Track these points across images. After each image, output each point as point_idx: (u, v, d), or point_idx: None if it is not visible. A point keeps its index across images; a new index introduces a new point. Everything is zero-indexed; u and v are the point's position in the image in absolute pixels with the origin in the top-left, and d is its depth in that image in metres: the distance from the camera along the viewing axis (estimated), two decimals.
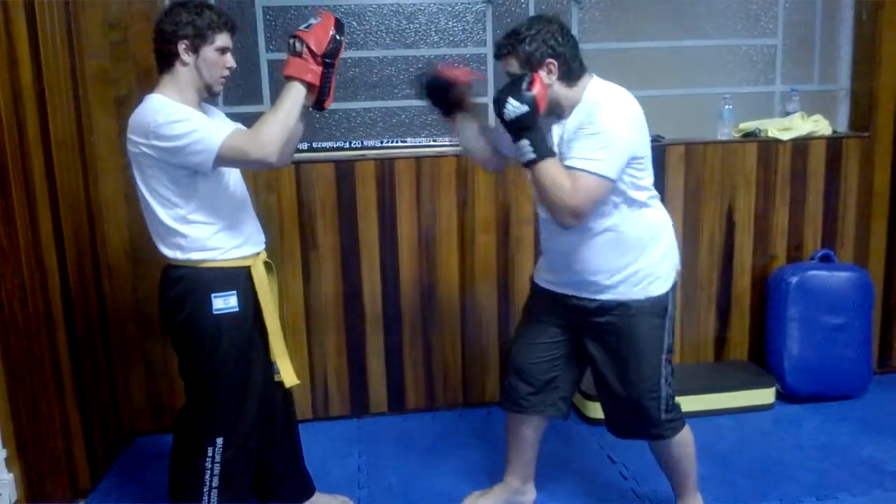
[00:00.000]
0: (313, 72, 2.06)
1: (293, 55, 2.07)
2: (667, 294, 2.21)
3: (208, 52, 2.09)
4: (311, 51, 2.04)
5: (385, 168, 3.23)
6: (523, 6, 3.42)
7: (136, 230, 3.06)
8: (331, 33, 2.06)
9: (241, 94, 3.28)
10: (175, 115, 2.01)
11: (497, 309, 3.40)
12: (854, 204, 3.57)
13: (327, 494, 2.63)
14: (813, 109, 3.58)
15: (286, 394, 2.39)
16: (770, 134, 3.47)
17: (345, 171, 3.20)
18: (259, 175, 3.06)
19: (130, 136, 2.07)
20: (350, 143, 3.32)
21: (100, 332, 2.98)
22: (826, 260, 3.47)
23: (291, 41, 2.07)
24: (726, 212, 3.49)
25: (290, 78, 2.06)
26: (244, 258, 2.19)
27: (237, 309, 2.15)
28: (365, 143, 3.33)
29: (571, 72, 2.11)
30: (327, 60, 2.07)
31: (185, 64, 2.09)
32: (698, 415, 3.20)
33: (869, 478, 2.77)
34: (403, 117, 3.45)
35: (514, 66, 2.10)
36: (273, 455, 2.44)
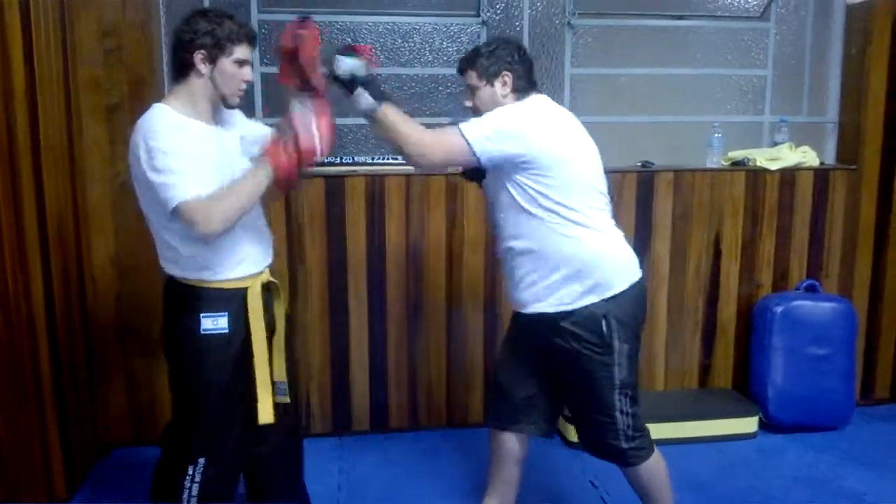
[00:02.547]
0: (288, 170, 1.98)
1: (280, 136, 1.99)
2: (608, 330, 2.18)
3: (226, 63, 2.02)
4: (297, 147, 1.97)
5: (375, 184, 3.23)
6: (517, 28, 3.45)
7: (122, 239, 3.05)
8: (316, 146, 1.99)
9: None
10: (168, 144, 1.92)
11: (483, 330, 3.39)
12: (840, 235, 3.60)
13: None
14: (801, 140, 3.62)
15: (290, 416, 2.33)
16: (758, 163, 3.50)
17: (334, 187, 3.20)
18: None
19: (131, 144, 1.99)
20: (341, 158, 3.32)
21: (81, 341, 2.95)
22: (811, 290, 3.49)
23: (283, 125, 1.99)
24: (713, 239, 3.51)
25: (264, 158, 1.98)
26: (241, 279, 2.11)
27: (226, 331, 2.08)
28: (356, 158, 3.34)
29: (522, 87, 2.26)
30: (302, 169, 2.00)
31: (200, 75, 2.02)
32: (681, 442, 3.21)
33: None
34: None
35: (473, 77, 2.28)
36: (269, 474, 2.39)
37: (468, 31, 3.43)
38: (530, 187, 2.15)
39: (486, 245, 3.33)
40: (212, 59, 2.00)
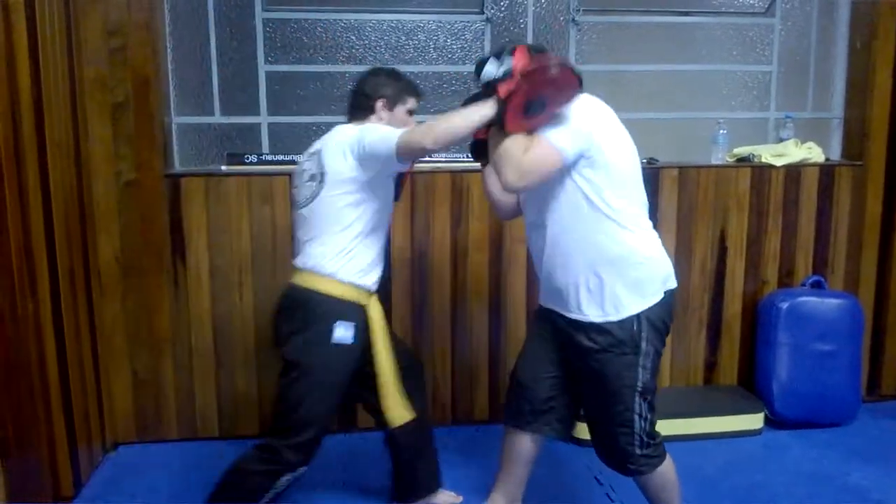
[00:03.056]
0: (517, 93, 1.98)
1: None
2: (638, 329, 2.17)
3: (400, 111, 2.39)
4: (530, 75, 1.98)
5: None
6: (521, 25, 3.45)
7: (127, 238, 3.06)
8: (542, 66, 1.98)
9: (239, 105, 3.27)
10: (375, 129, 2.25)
11: (488, 327, 3.40)
12: (845, 231, 3.59)
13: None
14: (806, 136, 3.61)
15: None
16: (763, 159, 3.49)
17: None
18: (253, 186, 3.06)
19: (332, 157, 2.27)
20: None
21: (88, 339, 2.97)
22: (817, 286, 3.48)
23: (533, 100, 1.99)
24: (719, 236, 3.50)
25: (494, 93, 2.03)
26: (371, 293, 2.38)
27: (355, 342, 2.30)
28: None
29: None
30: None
31: (379, 118, 2.36)
32: (686, 438, 3.20)
33: None
34: None
35: None
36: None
37: (472, 28, 3.43)
38: (580, 188, 2.11)
39: (490, 242, 3.33)
40: (390, 107, 2.38)
